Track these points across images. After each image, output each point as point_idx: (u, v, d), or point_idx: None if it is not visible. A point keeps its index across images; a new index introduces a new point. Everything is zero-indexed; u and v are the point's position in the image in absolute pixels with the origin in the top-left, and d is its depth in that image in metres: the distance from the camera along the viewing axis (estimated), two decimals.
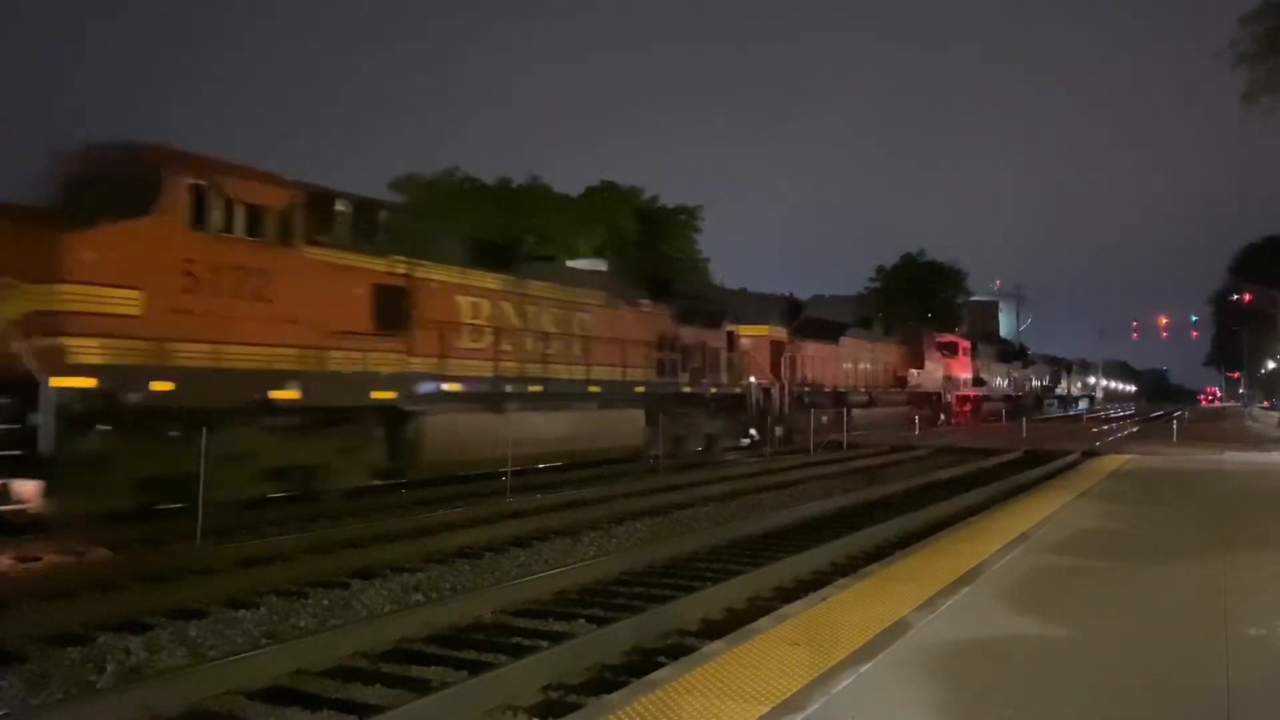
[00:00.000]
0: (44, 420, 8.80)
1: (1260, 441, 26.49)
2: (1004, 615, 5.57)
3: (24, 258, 8.94)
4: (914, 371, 36.86)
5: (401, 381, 12.60)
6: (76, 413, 8.97)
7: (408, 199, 36.97)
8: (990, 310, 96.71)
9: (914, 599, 5.79)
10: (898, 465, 21.18)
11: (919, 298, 64.41)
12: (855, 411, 29.10)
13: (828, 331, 29.46)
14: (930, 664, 4.51)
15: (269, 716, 4.92)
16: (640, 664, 5.62)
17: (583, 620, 6.72)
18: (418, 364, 12.92)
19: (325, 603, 7.35)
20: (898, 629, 5.11)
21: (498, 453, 13.62)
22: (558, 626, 6.62)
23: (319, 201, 11.64)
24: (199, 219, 10.14)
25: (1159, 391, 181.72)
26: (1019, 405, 51.12)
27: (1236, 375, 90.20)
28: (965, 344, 46.05)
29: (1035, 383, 62.76)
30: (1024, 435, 27.68)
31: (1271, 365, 64.50)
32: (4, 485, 8.93)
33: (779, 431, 24.50)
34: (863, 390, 31.73)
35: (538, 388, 15.26)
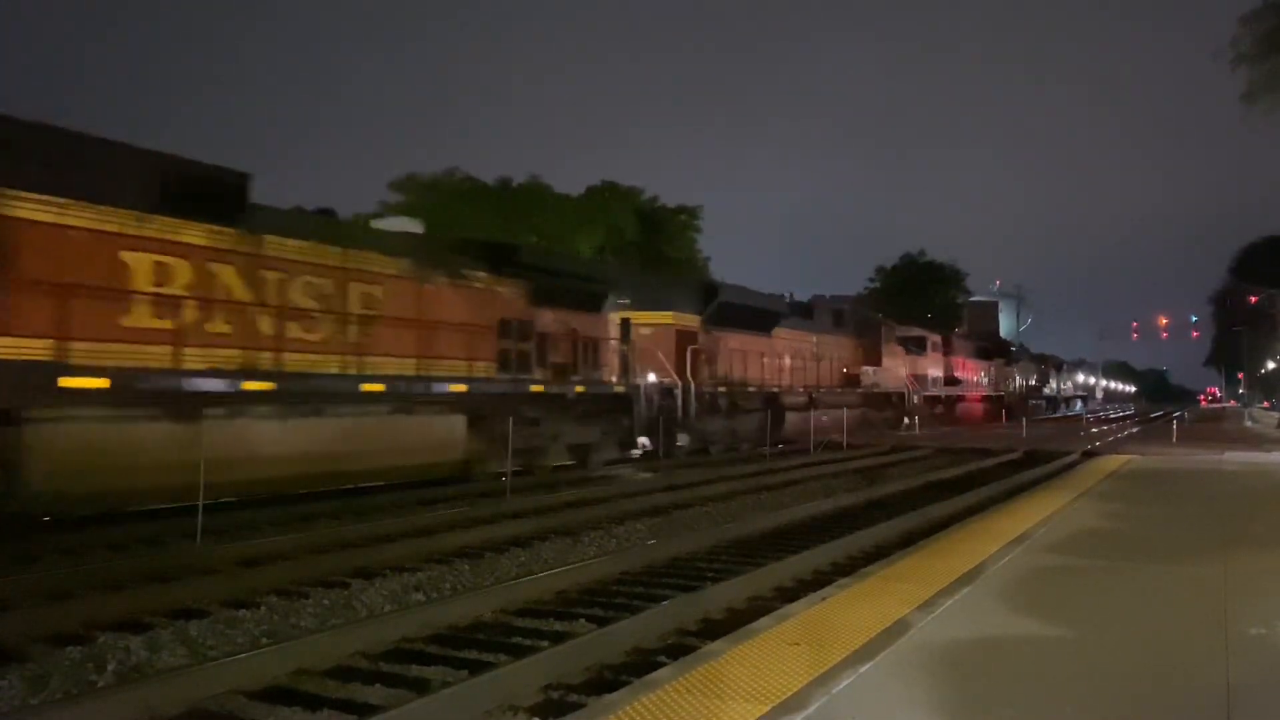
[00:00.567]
0: None
1: (1260, 442, 26.48)
2: (1004, 615, 5.57)
3: None
4: (870, 369, 32.43)
5: None
6: None
7: (408, 199, 36.98)
8: (990, 310, 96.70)
9: (914, 599, 5.79)
10: (897, 465, 21.18)
11: (919, 298, 64.43)
12: (791, 415, 25.63)
13: (756, 321, 24.73)
14: (930, 664, 4.51)
15: (269, 716, 4.92)
16: (640, 664, 5.62)
17: (583, 620, 6.72)
18: (7, 346, 8.91)
19: (325, 602, 7.35)
20: (898, 629, 5.11)
21: (181, 479, 9.58)
22: (558, 626, 6.62)
23: None
24: None
25: (1159, 392, 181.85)
26: (1002, 406, 48.73)
27: (1240, 375, 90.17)
28: (935, 339, 42.39)
29: (1020, 382, 59.03)
30: (1016, 437, 27.69)
31: (1271, 365, 64.51)
32: None
33: (683, 440, 20.90)
34: (801, 390, 26.96)
35: (263, 385, 11.07)
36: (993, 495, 13.90)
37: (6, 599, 6.92)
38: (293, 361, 11.58)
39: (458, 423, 13.95)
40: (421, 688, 5.17)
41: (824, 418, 26.82)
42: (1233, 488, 13.53)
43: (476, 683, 4.97)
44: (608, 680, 5.34)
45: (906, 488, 15.71)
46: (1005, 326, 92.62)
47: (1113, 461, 18.33)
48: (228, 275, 10.94)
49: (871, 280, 71.04)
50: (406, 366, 13.06)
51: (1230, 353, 79.22)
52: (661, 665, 4.95)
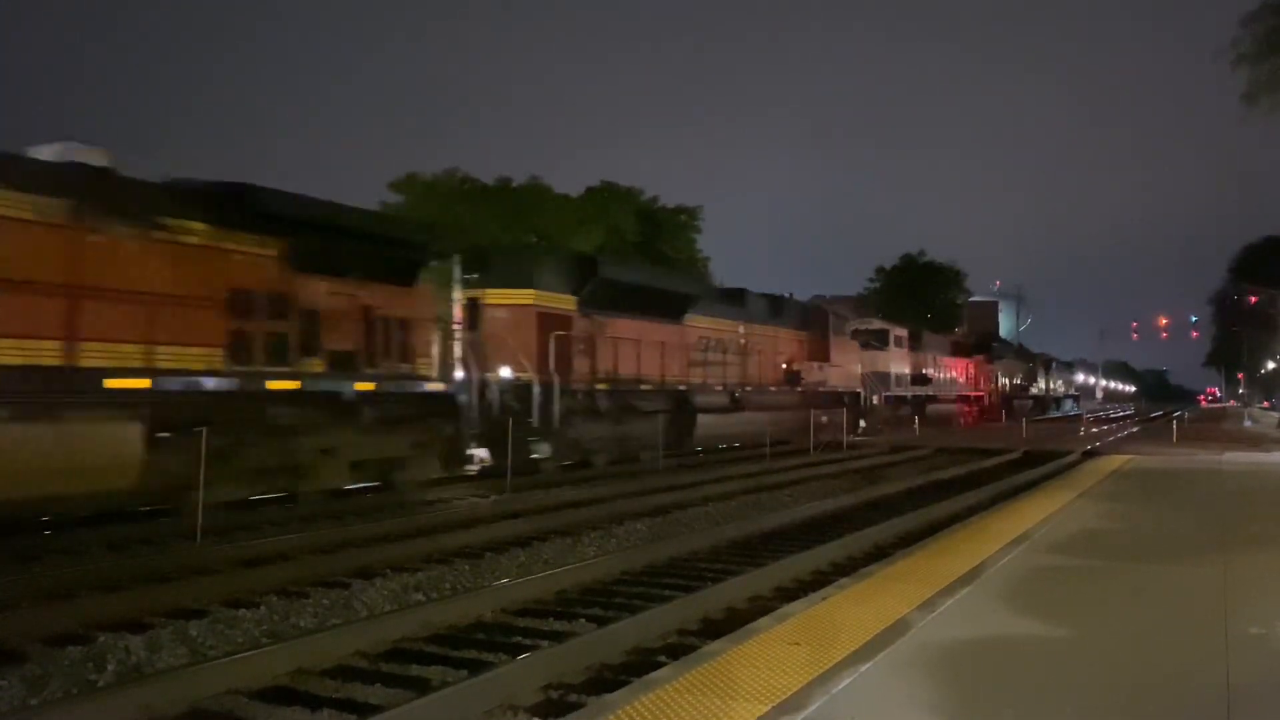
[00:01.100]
0: None
1: (1260, 442, 26.49)
2: (1004, 615, 5.57)
3: None
4: (816, 365, 27.33)
5: None
6: None
7: (407, 199, 36.99)
8: (990, 310, 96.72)
9: (914, 599, 5.80)
10: (897, 466, 21.20)
11: (919, 298, 64.42)
12: (706, 418, 21.06)
13: (659, 305, 19.97)
14: (930, 664, 4.51)
15: (269, 716, 4.92)
16: (640, 664, 5.62)
17: (583, 620, 6.72)
18: None
19: (325, 602, 7.35)
20: (898, 629, 5.11)
21: None
22: (558, 626, 6.62)
23: None
24: None
25: (1159, 392, 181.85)
26: (982, 407, 45.48)
27: (1239, 376, 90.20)
28: (900, 332, 37.66)
29: (1004, 381, 54.36)
30: (1011, 437, 27.69)
31: (1271, 365, 64.53)
32: None
33: (543, 451, 16.20)
34: (721, 389, 22.17)
35: None
36: (993, 495, 13.91)
37: (6, 599, 6.92)
38: None
39: (129, 433, 9.47)
40: (421, 688, 5.17)
41: (754, 420, 22.66)
42: (1232, 488, 13.52)
43: (476, 683, 4.97)
44: (608, 680, 5.34)
45: (907, 487, 15.72)
46: (1005, 326, 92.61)
47: (1113, 461, 18.34)
48: None
49: (871, 280, 71.02)
50: (41, 352, 8.93)
51: (1230, 353, 79.22)
52: (661, 665, 4.95)
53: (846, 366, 29.52)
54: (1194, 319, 70.04)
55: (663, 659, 5.54)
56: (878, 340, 34.80)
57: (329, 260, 11.85)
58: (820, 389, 27.31)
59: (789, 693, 4.03)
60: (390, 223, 18.29)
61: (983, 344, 52.90)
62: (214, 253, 10.65)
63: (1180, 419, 43.05)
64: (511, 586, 7.48)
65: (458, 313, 14.96)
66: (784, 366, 25.76)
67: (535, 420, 15.72)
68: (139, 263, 9.88)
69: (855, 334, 32.28)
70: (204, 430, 9.69)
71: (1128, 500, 11.64)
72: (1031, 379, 62.77)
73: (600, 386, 17.87)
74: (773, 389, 24.79)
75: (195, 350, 10.38)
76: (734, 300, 24.42)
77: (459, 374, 14.31)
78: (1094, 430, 36.45)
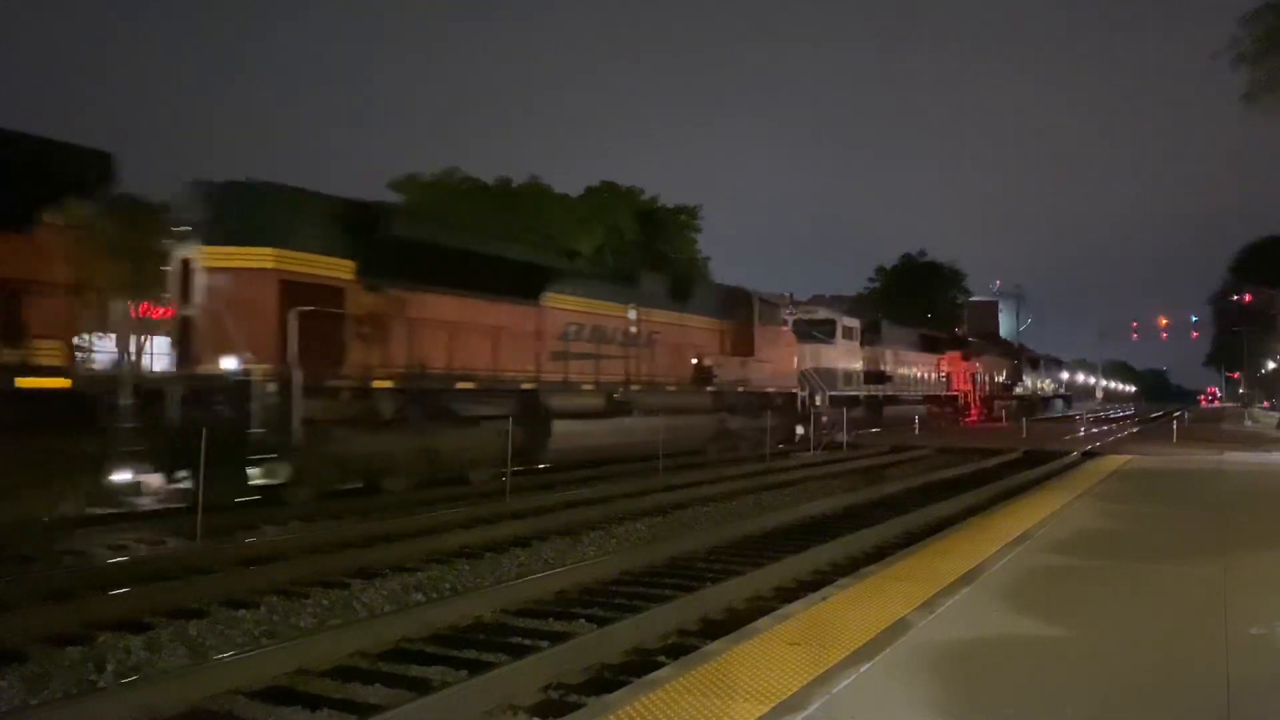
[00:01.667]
0: None
1: (1260, 442, 26.48)
2: (1004, 615, 5.57)
3: None
4: (737, 361, 22.28)
5: None
6: None
7: (408, 199, 37.02)
8: (990, 310, 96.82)
9: (914, 599, 5.80)
10: (898, 465, 21.21)
11: (919, 298, 64.47)
12: (565, 425, 16.17)
13: (496, 279, 14.99)
14: (930, 664, 4.51)
15: (269, 716, 4.92)
16: (640, 664, 5.62)
17: (583, 620, 6.72)
18: None
19: (325, 603, 7.35)
20: (898, 629, 5.11)
21: None
22: (558, 626, 6.62)
23: None
24: None
25: (1159, 392, 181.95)
26: (954, 408, 41.21)
27: (1236, 376, 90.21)
28: (851, 323, 32.52)
29: (982, 379, 49.41)
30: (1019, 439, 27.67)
31: (1271, 366, 64.53)
32: None
33: (279, 473, 11.35)
34: (592, 387, 17.35)
35: None
36: (993, 495, 13.92)
37: (6, 599, 6.92)
38: None
39: None
40: (421, 688, 5.17)
41: (640, 428, 18.04)
42: (1232, 488, 13.52)
43: (476, 683, 4.98)
44: (608, 680, 5.34)
45: (907, 487, 15.73)
46: (1005, 326, 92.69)
47: (1113, 462, 18.34)
48: None
49: (872, 280, 71.08)
50: None
51: (1230, 353, 79.22)
52: (661, 665, 4.95)
53: (778, 363, 24.34)
54: (1194, 319, 69.98)
55: (663, 659, 5.54)
56: (822, 332, 30.12)
57: None
58: (741, 389, 22.38)
59: (789, 693, 4.04)
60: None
61: (957, 339, 49.11)
62: None
63: (1180, 419, 43.03)
64: (511, 586, 7.48)
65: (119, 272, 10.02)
66: (694, 362, 20.90)
67: (259, 431, 11.06)
68: None
69: (797, 324, 28.05)
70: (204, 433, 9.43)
71: (1128, 500, 11.64)
72: (1016, 377, 57.50)
73: (381, 384, 12.93)
74: (672, 388, 19.75)
75: None
76: (623, 280, 20.03)
77: (119, 360, 10.21)
78: (1093, 430, 36.45)
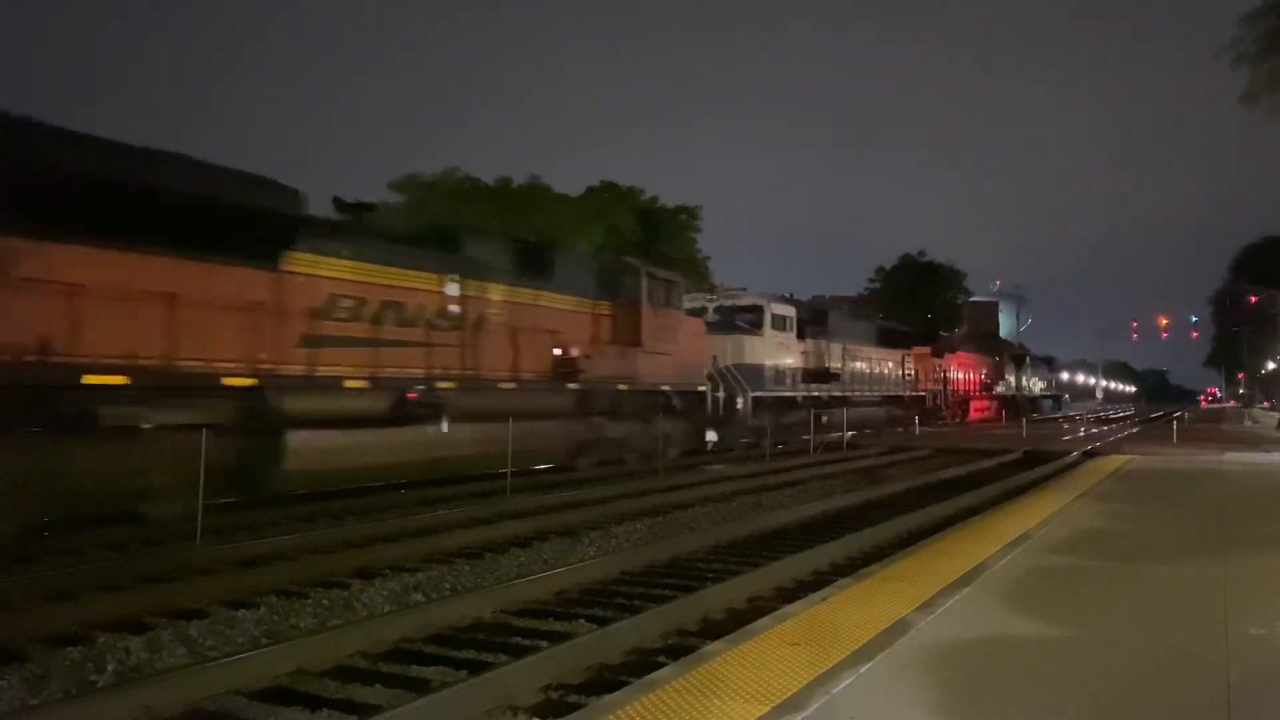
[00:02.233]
0: None
1: (1260, 442, 26.47)
2: (1004, 615, 5.56)
3: None
4: (616, 351, 17.76)
5: None
6: None
7: (407, 199, 37.02)
8: (990, 310, 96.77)
9: (914, 599, 5.79)
10: (898, 465, 21.22)
11: (919, 298, 64.51)
12: (307, 438, 11.50)
13: (191, 229, 10.30)
14: (930, 664, 4.51)
15: (269, 716, 4.92)
16: (640, 664, 5.62)
17: (583, 620, 6.72)
18: None
19: (325, 603, 7.35)
20: (898, 629, 5.11)
21: None
22: (558, 626, 6.62)
23: None
24: None
25: (1159, 392, 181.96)
26: (919, 411, 35.96)
27: (1240, 376, 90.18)
28: (784, 311, 26.65)
29: (956, 378, 44.20)
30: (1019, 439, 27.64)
31: (1272, 366, 64.53)
32: None
33: None
34: (367, 383, 12.47)
35: None
36: (993, 495, 13.92)
37: (6, 599, 6.92)
38: None
39: None
40: (421, 688, 5.17)
41: (450, 439, 13.56)
42: (1233, 488, 13.52)
43: (476, 683, 4.97)
44: (608, 680, 5.34)
45: (907, 487, 15.73)
46: (1005, 326, 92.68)
47: (1113, 462, 18.33)
48: None
49: (871, 280, 71.15)
50: None
51: (1230, 353, 79.24)
52: (661, 665, 4.95)
53: (679, 355, 19.97)
54: (1194, 319, 69.99)
55: (663, 659, 5.54)
56: (747, 321, 25.00)
57: None
58: (623, 386, 17.85)
59: (789, 693, 4.03)
60: None
61: (926, 335, 44.15)
62: None
63: (1181, 419, 43.02)
64: (511, 586, 7.48)
65: None
66: (556, 353, 16.29)
67: None
68: None
69: (720, 311, 24.65)
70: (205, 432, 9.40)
71: (1128, 500, 11.63)
72: (996, 376, 52.06)
73: None
74: (508, 385, 14.97)
75: None
76: (440, 242, 14.88)
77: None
78: (1093, 431, 36.45)
